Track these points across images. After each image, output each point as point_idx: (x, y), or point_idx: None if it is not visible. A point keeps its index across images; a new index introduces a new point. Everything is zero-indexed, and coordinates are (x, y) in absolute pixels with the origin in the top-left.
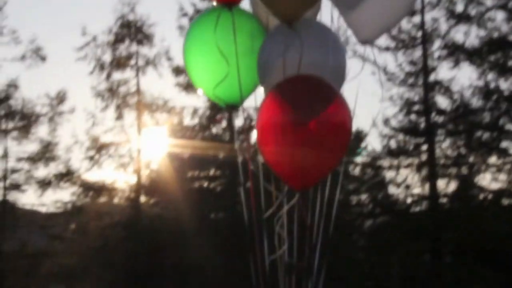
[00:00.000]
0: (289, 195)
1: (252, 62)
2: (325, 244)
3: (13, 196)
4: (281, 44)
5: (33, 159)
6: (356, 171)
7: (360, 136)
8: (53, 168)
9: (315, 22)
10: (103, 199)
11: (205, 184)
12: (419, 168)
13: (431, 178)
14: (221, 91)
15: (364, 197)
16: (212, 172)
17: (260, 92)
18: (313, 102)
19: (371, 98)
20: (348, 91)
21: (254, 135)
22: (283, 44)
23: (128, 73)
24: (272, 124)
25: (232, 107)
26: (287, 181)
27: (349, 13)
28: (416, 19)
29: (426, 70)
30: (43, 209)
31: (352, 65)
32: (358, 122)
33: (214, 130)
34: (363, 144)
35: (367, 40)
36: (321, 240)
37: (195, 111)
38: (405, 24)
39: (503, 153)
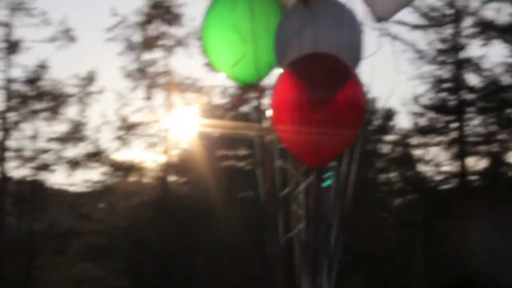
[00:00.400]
0: (307, 174)
1: (270, 41)
2: (342, 222)
3: (43, 176)
4: (296, 23)
5: (63, 140)
6: (386, 149)
7: (390, 114)
8: (83, 148)
9: (331, 0)
10: (132, 179)
11: (234, 164)
12: (449, 146)
13: (461, 156)
14: (239, 71)
15: (393, 175)
16: (241, 151)
17: (278, 71)
18: (329, 81)
19: (401, 76)
20: (375, 69)
21: (269, 113)
22: (299, 23)
23: (158, 54)
24: (287, 102)
25: (251, 86)
26: (303, 159)
27: None
28: None
29: (456, 48)
30: (72, 189)
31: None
32: (388, 100)
33: (243, 108)
34: (392, 122)
35: (383, 18)
36: (338, 219)
37: (224, 91)
38: (436, 1)
39: None
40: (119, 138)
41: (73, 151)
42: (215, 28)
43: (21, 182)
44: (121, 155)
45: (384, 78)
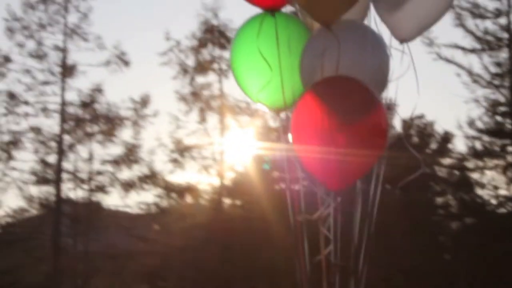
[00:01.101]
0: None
1: (295, 66)
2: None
3: (98, 197)
4: (320, 46)
5: (117, 162)
6: (443, 172)
7: (447, 138)
8: (137, 170)
9: (355, 23)
10: (186, 201)
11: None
12: (505, 169)
13: None
14: (266, 96)
15: (450, 198)
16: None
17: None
18: (349, 106)
19: (456, 100)
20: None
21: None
22: (322, 47)
23: (211, 77)
24: (308, 126)
25: (279, 111)
26: (325, 181)
27: (388, 12)
28: (502, 20)
29: None
30: (127, 211)
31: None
32: (444, 124)
33: None
34: (449, 145)
35: (406, 39)
36: (365, 242)
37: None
38: (490, 25)
39: None
40: (173, 160)
41: (127, 173)
42: (242, 55)
43: (77, 203)
44: (176, 177)
45: (440, 101)
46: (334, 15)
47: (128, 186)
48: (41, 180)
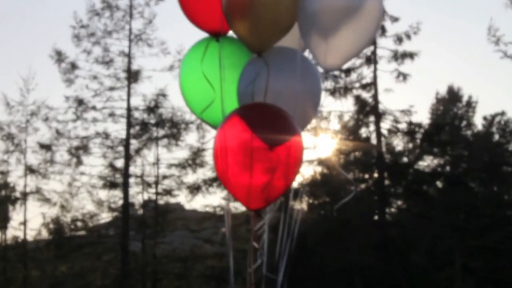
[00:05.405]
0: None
1: (235, 89)
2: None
3: (164, 201)
4: (252, 73)
5: (183, 165)
6: None
7: None
8: (202, 174)
9: (286, 50)
10: None
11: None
12: None
13: None
14: (208, 116)
15: None
16: (355, 174)
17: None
18: (267, 131)
19: None
20: None
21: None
22: (254, 73)
23: None
24: (230, 146)
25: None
26: (246, 202)
27: (314, 44)
28: None
29: None
30: (193, 214)
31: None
32: None
33: (362, 132)
34: None
35: (332, 68)
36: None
37: (341, 116)
38: None
39: None
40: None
41: (193, 176)
42: (188, 76)
43: (144, 207)
44: None
45: None
46: (264, 43)
47: (193, 189)
48: (109, 184)
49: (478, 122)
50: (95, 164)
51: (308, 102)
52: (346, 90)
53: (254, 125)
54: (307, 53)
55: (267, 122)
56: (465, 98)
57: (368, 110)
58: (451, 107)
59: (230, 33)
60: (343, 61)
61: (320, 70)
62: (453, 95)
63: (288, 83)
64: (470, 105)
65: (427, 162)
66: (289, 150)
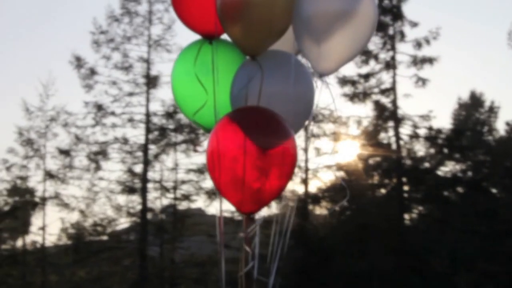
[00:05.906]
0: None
1: (228, 92)
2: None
3: (183, 206)
4: (245, 76)
5: (202, 171)
6: None
7: None
8: None
9: (280, 53)
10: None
11: (370, 192)
12: None
13: None
14: (201, 118)
15: None
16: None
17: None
18: (260, 134)
19: None
20: None
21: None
22: (247, 76)
23: None
24: (223, 150)
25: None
26: (239, 205)
27: (308, 48)
28: None
29: None
30: (211, 219)
31: None
32: None
33: (382, 138)
34: None
35: (325, 73)
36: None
37: (360, 121)
38: None
39: None
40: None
41: (211, 181)
42: (180, 78)
43: (162, 212)
44: None
45: None
46: (258, 47)
47: (212, 194)
48: (128, 190)
49: (501, 128)
50: (114, 169)
51: (301, 106)
52: (365, 95)
53: (247, 128)
54: (300, 57)
55: (260, 125)
56: (487, 103)
57: (387, 115)
58: (473, 112)
59: (224, 35)
60: (337, 66)
61: (314, 74)
62: (475, 100)
63: (281, 87)
64: (492, 110)
65: (448, 168)
66: (283, 153)
